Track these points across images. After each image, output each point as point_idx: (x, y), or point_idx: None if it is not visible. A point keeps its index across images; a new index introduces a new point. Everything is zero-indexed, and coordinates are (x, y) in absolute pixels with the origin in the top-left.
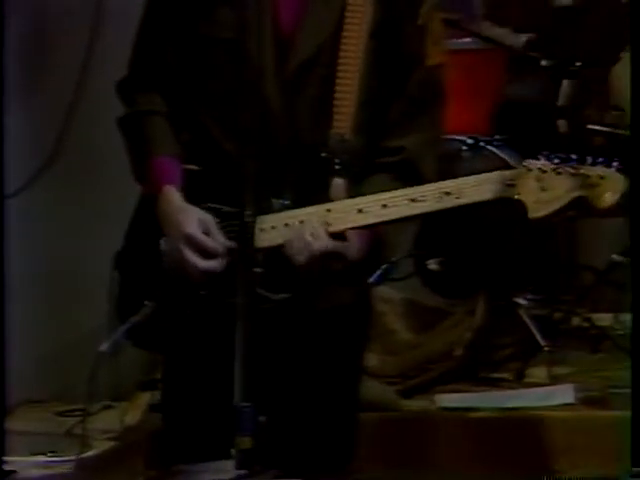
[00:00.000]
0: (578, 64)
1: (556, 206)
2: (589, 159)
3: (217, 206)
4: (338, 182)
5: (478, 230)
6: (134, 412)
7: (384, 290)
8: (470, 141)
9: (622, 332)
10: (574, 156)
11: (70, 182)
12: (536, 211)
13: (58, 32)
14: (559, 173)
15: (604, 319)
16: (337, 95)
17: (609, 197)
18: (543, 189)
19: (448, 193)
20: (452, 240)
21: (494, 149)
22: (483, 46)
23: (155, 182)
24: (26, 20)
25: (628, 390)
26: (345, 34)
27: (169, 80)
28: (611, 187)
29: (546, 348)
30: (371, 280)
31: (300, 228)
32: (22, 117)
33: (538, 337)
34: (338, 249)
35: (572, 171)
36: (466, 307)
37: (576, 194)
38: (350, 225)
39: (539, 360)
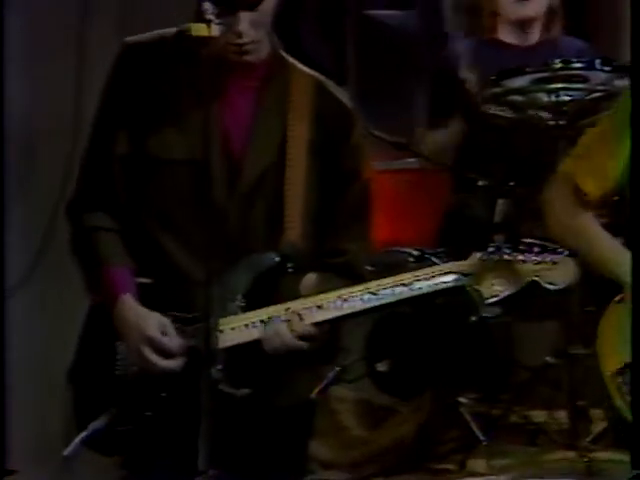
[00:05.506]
0: (511, 184)
1: (511, 291)
2: (536, 248)
3: (175, 313)
4: (292, 281)
5: (423, 336)
6: None
7: (338, 390)
8: (416, 253)
9: (556, 427)
10: (522, 246)
11: (59, 278)
12: (491, 297)
13: (42, 141)
14: (511, 261)
15: (539, 415)
16: (287, 207)
17: (565, 278)
18: (497, 276)
19: (405, 284)
20: (400, 345)
21: (438, 261)
22: (428, 165)
23: (111, 291)
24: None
25: None
26: (289, 155)
27: (116, 200)
28: (565, 270)
29: (484, 442)
30: (326, 382)
31: (275, 321)
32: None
33: (477, 432)
34: (314, 332)
35: (523, 258)
36: (413, 405)
37: (530, 278)
38: (312, 321)
39: (479, 452)
